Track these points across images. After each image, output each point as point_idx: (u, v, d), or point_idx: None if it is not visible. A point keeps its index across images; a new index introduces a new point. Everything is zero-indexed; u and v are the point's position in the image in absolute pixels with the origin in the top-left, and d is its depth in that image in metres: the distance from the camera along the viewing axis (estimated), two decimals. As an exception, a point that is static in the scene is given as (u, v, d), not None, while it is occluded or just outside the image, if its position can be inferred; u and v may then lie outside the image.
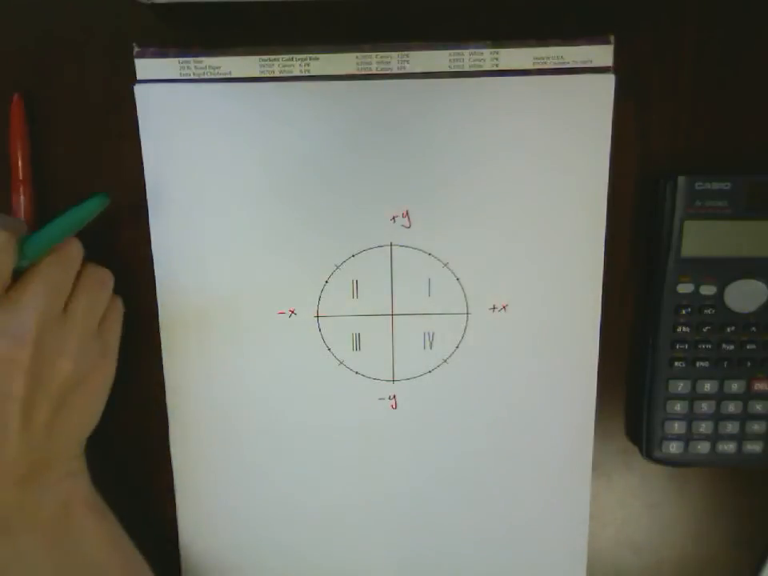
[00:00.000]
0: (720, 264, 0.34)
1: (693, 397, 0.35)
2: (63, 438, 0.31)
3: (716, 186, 0.33)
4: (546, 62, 0.33)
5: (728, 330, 0.34)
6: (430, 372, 0.36)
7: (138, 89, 0.33)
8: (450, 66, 0.33)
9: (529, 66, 0.33)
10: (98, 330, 0.32)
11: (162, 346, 0.36)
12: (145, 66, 0.33)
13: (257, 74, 0.33)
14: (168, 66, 0.33)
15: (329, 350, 0.36)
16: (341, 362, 0.36)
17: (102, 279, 0.32)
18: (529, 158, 0.34)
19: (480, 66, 0.33)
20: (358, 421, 0.36)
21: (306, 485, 0.37)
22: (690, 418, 0.35)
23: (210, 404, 0.36)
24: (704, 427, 0.35)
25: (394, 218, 0.34)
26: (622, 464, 0.38)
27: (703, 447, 0.36)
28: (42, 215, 0.35)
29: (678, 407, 0.35)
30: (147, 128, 0.33)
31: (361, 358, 0.36)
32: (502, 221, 0.34)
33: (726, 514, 0.38)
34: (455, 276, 0.35)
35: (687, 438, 0.36)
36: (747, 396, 0.35)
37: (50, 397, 0.30)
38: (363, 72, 0.33)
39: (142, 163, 0.34)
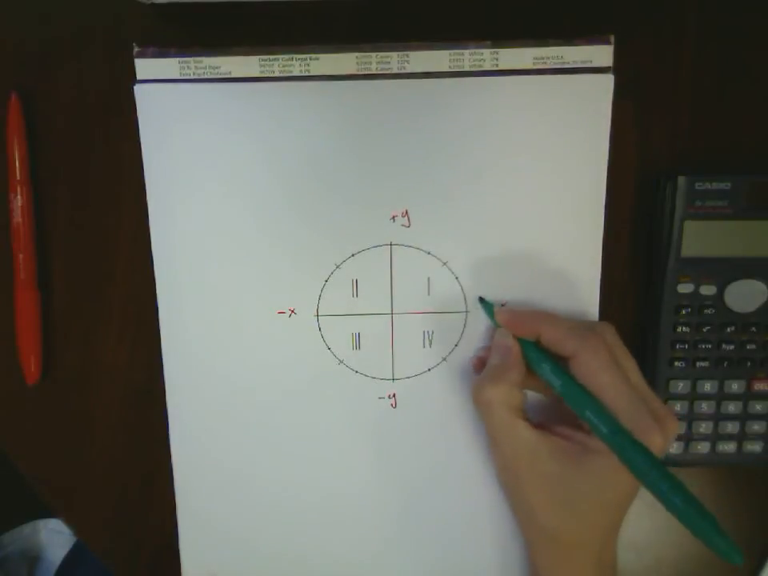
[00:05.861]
0: (720, 264, 0.34)
1: (693, 397, 0.35)
2: None
3: (716, 185, 0.33)
4: (545, 62, 0.33)
5: (728, 330, 0.34)
6: (429, 370, 0.36)
7: (138, 89, 0.33)
8: (450, 66, 0.33)
9: (529, 65, 0.33)
10: None
11: (162, 345, 0.36)
12: (145, 66, 0.33)
13: (257, 74, 0.33)
14: (168, 66, 0.33)
15: (329, 349, 0.36)
16: (341, 361, 0.36)
17: None
18: (528, 157, 0.34)
19: (480, 66, 0.33)
20: (358, 420, 0.36)
21: (307, 483, 0.37)
22: (690, 418, 0.35)
23: (210, 403, 0.36)
24: (704, 427, 0.35)
25: (393, 217, 0.34)
26: (621, 464, 0.37)
27: (703, 447, 0.36)
28: (40, 216, 0.35)
29: (678, 407, 0.35)
30: (147, 128, 0.33)
31: (361, 357, 0.36)
32: (501, 220, 0.34)
33: (726, 514, 0.38)
34: (454, 275, 0.35)
35: (687, 438, 0.36)
36: (747, 396, 0.35)
37: None
38: (363, 72, 0.33)
39: (142, 163, 0.34)
